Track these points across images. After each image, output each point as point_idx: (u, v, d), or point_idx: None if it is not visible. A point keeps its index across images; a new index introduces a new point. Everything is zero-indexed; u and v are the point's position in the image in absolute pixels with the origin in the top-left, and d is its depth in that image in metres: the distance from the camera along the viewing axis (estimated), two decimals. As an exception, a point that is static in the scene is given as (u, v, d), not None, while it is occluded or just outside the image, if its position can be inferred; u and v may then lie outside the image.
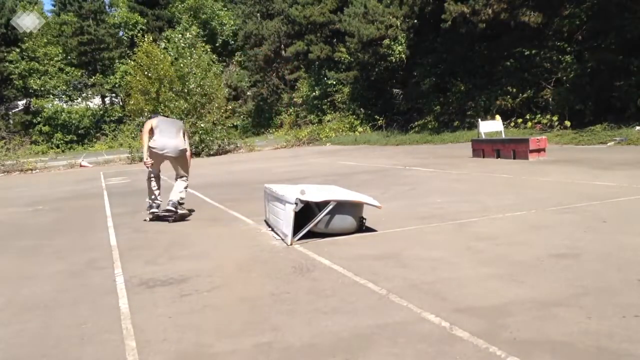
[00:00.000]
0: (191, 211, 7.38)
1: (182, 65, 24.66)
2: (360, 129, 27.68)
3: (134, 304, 3.54)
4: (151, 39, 25.78)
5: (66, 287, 4.11)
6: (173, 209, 6.78)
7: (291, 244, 4.81)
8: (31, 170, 22.17)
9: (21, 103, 48.07)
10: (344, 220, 4.98)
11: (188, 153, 7.20)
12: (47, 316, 3.46)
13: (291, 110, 38.60)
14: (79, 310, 3.53)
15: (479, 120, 15.38)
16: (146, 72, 24.06)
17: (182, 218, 6.91)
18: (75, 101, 47.18)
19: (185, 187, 7.04)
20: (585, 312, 2.79)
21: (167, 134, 6.95)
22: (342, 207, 4.93)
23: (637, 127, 13.77)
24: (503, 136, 13.95)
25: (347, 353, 2.54)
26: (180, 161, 7.03)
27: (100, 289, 3.99)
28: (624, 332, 2.52)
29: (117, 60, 47.55)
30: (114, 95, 48.87)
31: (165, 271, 4.31)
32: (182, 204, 7.00)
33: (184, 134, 7.13)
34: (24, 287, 4.24)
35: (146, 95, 23.86)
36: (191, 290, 3.73)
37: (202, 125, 23.60)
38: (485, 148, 11.97)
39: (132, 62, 25.35)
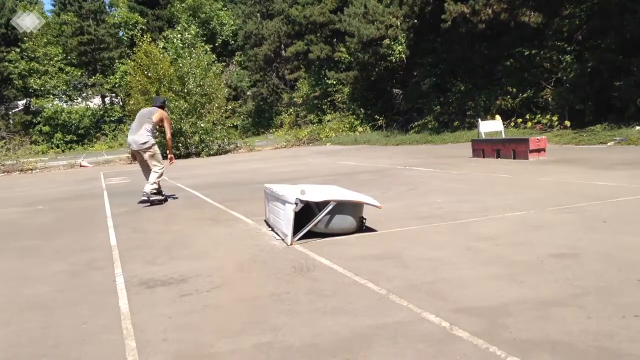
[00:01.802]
0: (172, 197, 9.04)
1: (181, 65, 24.65)
2: (360, 129, 27.70)
3: (134, 304, 3.54)
4: (150, 38, 25.77)
5: (66, 287, 4.11)
6: (145, 198, 8.13)
7: (291, 244, 4.81)
8: (31, 170, 22.16)
9: (21, 103, 48.10)
10: (344, 220, 4.98)
11: (169, 147, 8.63)
12: (47, 316, 3.46)
13: (291, 110, 38.63)
14: (79, 310, 3.53)
15: (479, 120, 15.39)
16: (146, 72, 24.06)
17: (160, 202, 8.25)
18: (75, 101, 47.20)
19: (157, 177, 8.18)
20: (585, 312, 2.79)
21: (131, 131, 8.30)
22: (342, 207, 4.93)
23: (637, 127, 13.77)
24: (503, 136, 13.96)
25: (347, 353, 2.54)
26: (146, 154, 8.16)
27: (100, 289, 3.99)
28: (624, 332, 2.52)
29: (117, 60, 47.58)
30: (114, 95, 48.90)
31: (165, 271, 4.31)
32: (155, 192, 8.24)
33: (152, 127, 8.24)
34: (24, 287, 4.24)
35: (146, 95, 23.85)
36: (191, 290, 3.73)
37: (202, 125, 23.60)
38: (485, 148, 11.97)
39: (132, 62, 25.30)
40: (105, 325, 3.19)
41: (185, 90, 24.06)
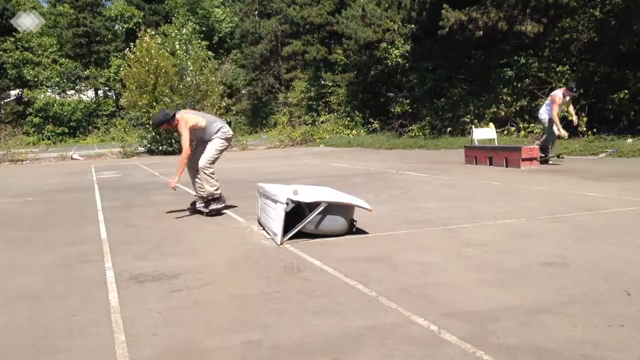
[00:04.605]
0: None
1: (177, 61, 24.57)
2: (354, 132, 27.74)
3: (124, 298, 3.54)
4: (152, 32, 25.68)
5: (55, 279, 4.10)
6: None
7: (281, 244, 4.82)
8: (22, 161, 22.04)
9: (13, 93, 47.71)
10: (335, 222, 4.99)
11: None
12: (36, 308, 3.45)
13: (286, 110, 38.63)
14: (69, 302, 3.52)
15: (473, 127, 15.48)
16: (143, 65, 23.93)
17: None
18: (69, 93, 46.88)
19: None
20: (572, 320, 2.82)
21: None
22: (332, 208, 4.94)
23: (629, 140, 13.90)
24: (496, 144, 14.04)
25: (336, 353, 2.56)
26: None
27: (90, 282, 3.98)
28: (609, 340, 2.56)
29: (112, 54, 47.33)
30: (107, 88, 48.62)
31: (155, 266, 4.31)
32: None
33: None
34: (12, 278, 4.22)
35: (142, 88, 23.76)
36: (181, 287, 3.73)
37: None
38: (478, 155, 12.03)
39: (130, 55, 25.11)
40: (94, 318, 3.19)
41: (181, 86, 23.98)
